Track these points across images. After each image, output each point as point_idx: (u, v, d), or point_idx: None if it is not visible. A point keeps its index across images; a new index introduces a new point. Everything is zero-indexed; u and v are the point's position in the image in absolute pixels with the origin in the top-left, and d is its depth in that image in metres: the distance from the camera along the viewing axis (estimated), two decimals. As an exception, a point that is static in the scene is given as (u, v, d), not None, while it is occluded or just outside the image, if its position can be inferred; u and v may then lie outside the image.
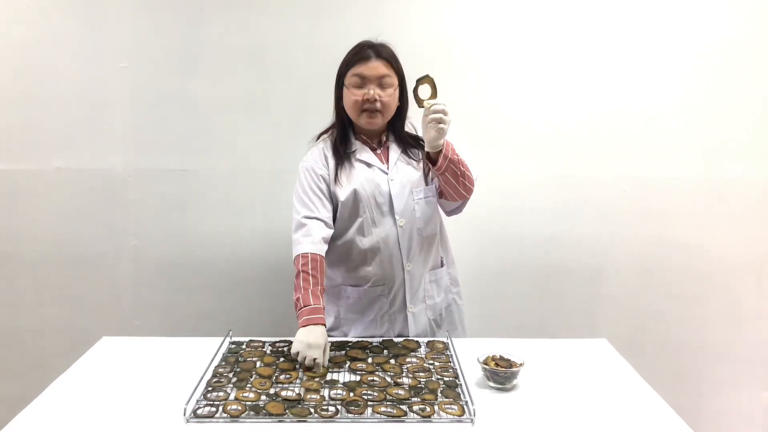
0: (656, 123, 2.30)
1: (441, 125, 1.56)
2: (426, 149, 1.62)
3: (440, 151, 1.60)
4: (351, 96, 1.68)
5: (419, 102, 1.61)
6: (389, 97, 1.67)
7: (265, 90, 2.27)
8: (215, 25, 2.23)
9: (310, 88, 2.26)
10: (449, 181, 1.65)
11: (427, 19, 2.24)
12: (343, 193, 1.71)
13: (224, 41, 2.24)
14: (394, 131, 1.77)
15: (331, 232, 1.70)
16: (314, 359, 1.48)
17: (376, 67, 1.66)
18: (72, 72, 2.25)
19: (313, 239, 1.66)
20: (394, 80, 1.68)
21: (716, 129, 2.31)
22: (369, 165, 1.73)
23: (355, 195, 1.70)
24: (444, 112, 1.56)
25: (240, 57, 2.25)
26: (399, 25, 2.22)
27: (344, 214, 1.73)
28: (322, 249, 1.66)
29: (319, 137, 1.82)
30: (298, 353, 1.50)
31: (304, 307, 1.58)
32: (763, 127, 2.32)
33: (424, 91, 1.62)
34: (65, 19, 2.22)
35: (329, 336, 1.78)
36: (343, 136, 1.76)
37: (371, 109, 1.67)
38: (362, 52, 1.68)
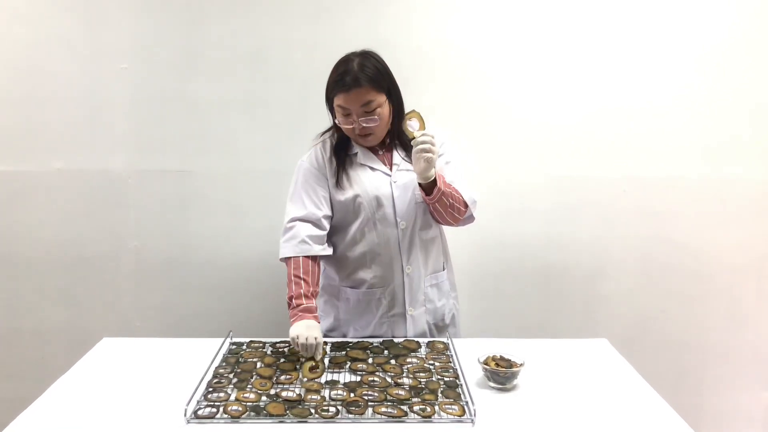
0: (656, 123, 2.30)
1: (427, 154, 1.57)
2: (417, 180, 1.64)
3: (434, 181, 1.62)
4: (341, 123, 1.67)
5: (409, 134, 1.65)
6: (376, 121, 1.64)
7: (265, 91, 2.27)
8: (215, 26, 2.23)
9: (310, 90, 2.25)
10: (437, 210, 1.68)
11: (427, 21, 2.24)
12: (344, 196, 1.71)
13: (224, 42, 2.24)
14: (398, 134, 1.76)
15: (320, 232, 1.70)
16: (315, 338, 1.51)
17: (356, 97, 1.60)
18: (72, 73, 2.25)
19: (296, 241, 1.67)
20: (380, 99, 1.63)
21: (717, 129, 2.31)
22: (372, 168, 1.73)
23: (356, 198, 1.70)
24: (431, 143, 1.57)
25: (240, 58, 2.25)
26: (399, 27, 2.22)
27: (345, 216, 1.73)
28: (308, 249, 1.67)
29: (322, 135, 1.81)
30: (297, 337, 1.52)
31: (297, 306, 1.60)
32: (764, 127, 2.32)
33: (413, 124, 1.66)
34: (65, 21, 2.22)
35: (328, 336, 1.79)
36: (342, 140, 1.76)
37: (363, 134, 1.67)
38: (343, 80, 1.61)
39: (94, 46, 2.24)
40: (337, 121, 1.69)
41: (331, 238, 1.77)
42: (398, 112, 1.71)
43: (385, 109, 1.66)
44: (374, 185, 1.71)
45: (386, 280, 1.74)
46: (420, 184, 1.65)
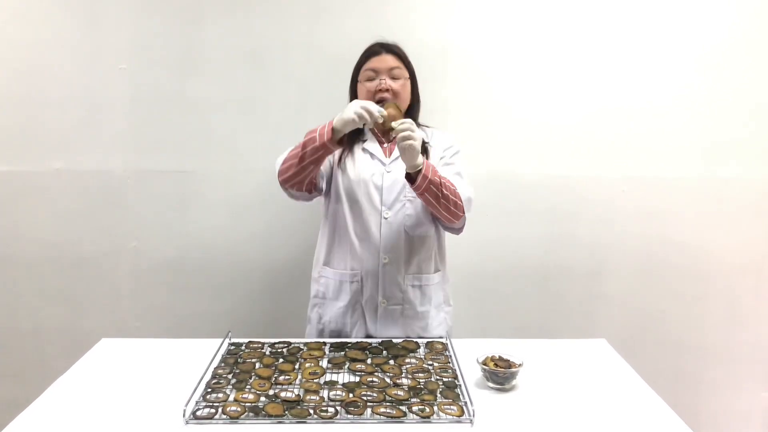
0: (656, 123, 2.30)
1: (409, 142, 1.56)
2: (407, 169, 1.63)
3: (420, 170, 1.60)
4: (364, 89, 1.77)
5: (388, 127, 1.64)
6: (400, 86, 1.76)
7: (264, 91, 2.27)
8: (214, 26, 2.23)
9: (309, 89, 2.26)
10: (429, 202, 1.65)
11: (426, 20, 2.24)
12: (341, 175, 1.79)
13: (223, 42, 2.24)
14: None
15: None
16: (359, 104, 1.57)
17: (385, 59, 1.77)
18: (71, 73, 2.25)
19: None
20: (405, 72, 1.79)
21: (716, 129, 2.31)
22: (372, 155, 1.79)
23: (349, 180, 1.77)
24: (410, 129, 1.57)
25: (239, 58, 2.25)
26: (399, 26, 2.21)
27: (337, 196, 1.79)
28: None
29: None
30: (354, 114, 1.55)
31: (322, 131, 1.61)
32: (763, 127, 2.32)
33: (391, 117, 1.66)
34: (65, 21, 2.22)
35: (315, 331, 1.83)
36: (355, 130, 1.77)
37: (384, 99, 1.73)
38: (372, 48, 1.81)
39: (93, 46, 2.24)
40: (361, 84, 1.78)
41: (327, 217, 1.84)
42: (413, 105, 1.83)
43: (407, 86, 1.79)
44: (369, 171, 1.77)
45: (363, 265, 1.77)
46: (408, 175, 1.63)
